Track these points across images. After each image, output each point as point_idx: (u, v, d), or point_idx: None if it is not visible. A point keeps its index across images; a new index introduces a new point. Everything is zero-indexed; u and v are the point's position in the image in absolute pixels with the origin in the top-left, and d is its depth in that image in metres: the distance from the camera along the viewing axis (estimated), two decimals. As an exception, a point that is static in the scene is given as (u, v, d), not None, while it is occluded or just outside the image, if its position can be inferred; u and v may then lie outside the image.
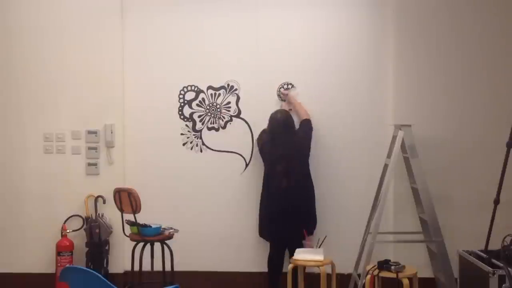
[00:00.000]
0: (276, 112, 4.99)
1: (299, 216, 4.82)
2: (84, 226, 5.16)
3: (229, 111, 5.24)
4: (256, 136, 5.15)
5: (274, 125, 4.92)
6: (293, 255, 4.67)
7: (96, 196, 5.20)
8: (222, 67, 5.22)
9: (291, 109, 5.08)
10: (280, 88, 5.15)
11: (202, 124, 5.25)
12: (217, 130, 5.23)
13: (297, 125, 5.03)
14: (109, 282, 2.94)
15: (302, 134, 4.98)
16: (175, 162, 5.22)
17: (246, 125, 5.19)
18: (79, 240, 5.16)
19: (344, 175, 5.12)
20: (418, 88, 5.01)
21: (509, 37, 4.96)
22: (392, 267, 4.19)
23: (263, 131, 5.06)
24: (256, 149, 5.15)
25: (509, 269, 3.41)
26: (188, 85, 5.24)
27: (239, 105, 5.22)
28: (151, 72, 5.25)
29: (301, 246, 4.71)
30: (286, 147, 4.85)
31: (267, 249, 5.09)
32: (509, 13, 4.95)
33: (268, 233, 4.97)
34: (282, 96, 5.15)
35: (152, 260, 4.74)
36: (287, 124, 4.92)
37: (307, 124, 5.01)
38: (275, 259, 4.94)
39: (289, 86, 5.14)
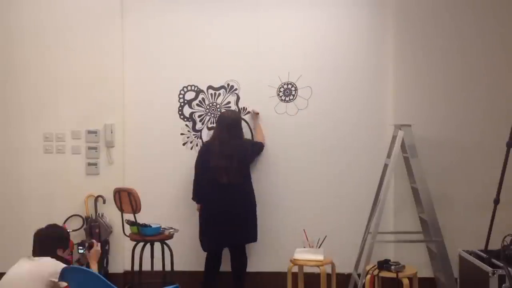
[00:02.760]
0: (227, 111, 5.04)
1: (239, 216, 4.74)
2: (84, 226, 5.16)
3: (229, 111, 5.24)
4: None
5: (223, 124, 4.84)
6: (240, 254, 4.80)
7: (96, 196, 5.20)
8: (222, 67, 5.22)
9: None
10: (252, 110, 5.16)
11: (202, 124, 5.25)
12: (217, 130, 5.23)
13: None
14: (109, 282, 2.95)
15: (251, 146, 4.98)
16: (175, 162, 5.22)
17: (246, 125, 5.18)
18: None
19: (344, 175, 5.12)
20: (418, 88, 5.01)
21: (509, 37, 4.96)
22: (392, 267, 4.19)
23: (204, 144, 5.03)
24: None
25: (509, 269, 3.42)
26: (188, 85, 5.25)
27: (239, 105, 5.22)
28: (151, 72, 5.25)
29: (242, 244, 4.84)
30: (233, 147, 4.76)
31: (268, 249, 5.11)
32: (509, 13, 4.95)
33: (209, 238, 4.81)
34: (253, 113, 5.15)
35: (152, 260, 4.74)
36: (237, 124, 4.88)
37: (260, 144, 5.03)
38: (214, 261, 4.89)
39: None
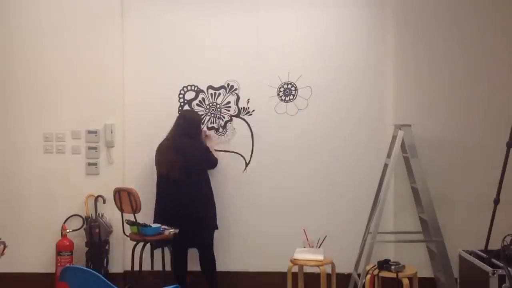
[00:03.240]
0: (185, 110, 5.09)
1: (198, 213, 4.74)
2: (84, 226, 5.16)
3: (229, 110, 5.24)
4: (256, 136, 5.15)
5: (177, 122, 4.88)
6: (202, 254, 4.79)
7: (96, 196, 5.20)
8: (222, 67, 5.22)
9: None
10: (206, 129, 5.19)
11: (202, 124, 5.25)
12: (217, 130, 5.23)
13: None
14: (109, 282, 2.94)
15: (205, 151, 4.93)
16: (175, 162, 5.22)
17: (246, 124, 5.19)
18: (79, 240, 5.16)
19: (344, 175, 5.13)
20: (418, 88, 5.01)
21: (509, 37, 4.96)
22: (392, 267, 4.19)
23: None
24: (256, 147, 5.17)
25: (509, 269, 3.42)
26: (188, 85, 5.25)
27: (239, 105, 5.22)
28: (151, 72, 5.25)
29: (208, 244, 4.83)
30: (182, 143, 4.78)
31: (268, 249, 5.11)
32: (509, 13, 4.95)
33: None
34: (206, 135, 5.15)
35: (152, 260, 4.74)
36: (192, 123, 4.89)
37: (215, 158, 4.99)
38: (180, 263, 4.88)
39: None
